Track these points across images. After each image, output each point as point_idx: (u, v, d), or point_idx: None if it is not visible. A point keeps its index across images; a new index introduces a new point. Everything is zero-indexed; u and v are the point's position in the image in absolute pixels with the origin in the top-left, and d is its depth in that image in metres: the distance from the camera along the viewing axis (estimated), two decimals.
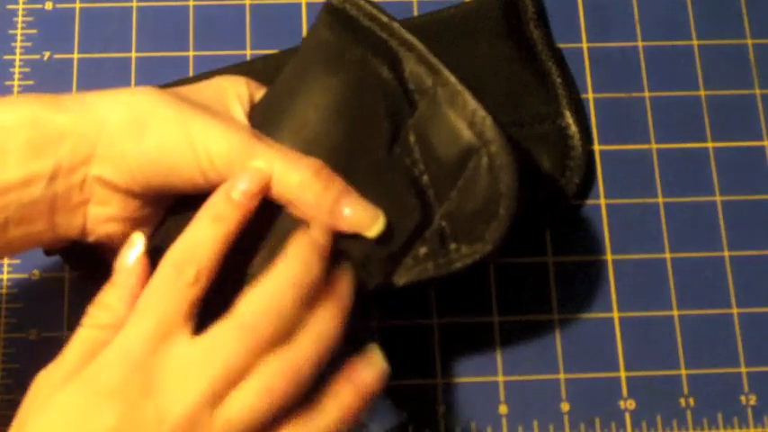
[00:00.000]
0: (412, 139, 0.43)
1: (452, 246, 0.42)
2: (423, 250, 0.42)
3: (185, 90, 0.43)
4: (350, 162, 0.42)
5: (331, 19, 0.44)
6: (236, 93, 0.44)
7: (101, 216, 0.41)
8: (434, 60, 0.43)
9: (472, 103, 0.42)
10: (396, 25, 0.43)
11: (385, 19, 0.43)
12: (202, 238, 0.38)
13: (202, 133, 0.40)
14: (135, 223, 0.42)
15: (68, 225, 0.41)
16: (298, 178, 0.40)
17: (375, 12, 0.44)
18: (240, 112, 0.43)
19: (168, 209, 0.43)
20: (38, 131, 0.39)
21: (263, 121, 0.43)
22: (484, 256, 0.42)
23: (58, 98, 0.40)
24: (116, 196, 0.41)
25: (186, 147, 0.40)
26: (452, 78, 0.42)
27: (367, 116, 0.42)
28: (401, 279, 0.42)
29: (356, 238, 0.41)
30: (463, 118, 0.42)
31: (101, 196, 0.40)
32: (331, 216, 0.40)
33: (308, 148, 0.41)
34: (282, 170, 0.40)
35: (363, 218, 0.41)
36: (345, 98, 0.42)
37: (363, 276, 0.41)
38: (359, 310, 0.40)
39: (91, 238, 0.42)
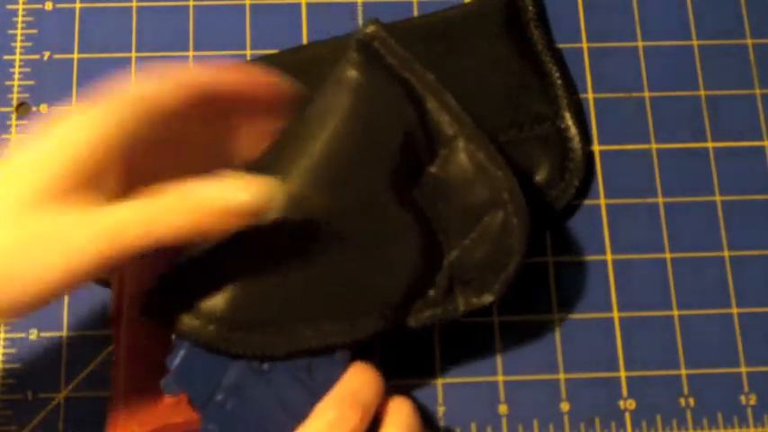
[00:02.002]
0: (430, 185, 0.43)
1: (459, 292, 0.43)
2: (431, 294, 0.43)
3: None
4: (365, 201, 0.42)
5: (358, 56, 0.44)
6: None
7: None
8: (459, 110, 0.43)
9: (492, 157, 0.42)
10: (425, 71, 0.43)
11: (412, 63, 0.43)
12: None
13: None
14: None
15: None
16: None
17: (402, 53, 0.43)
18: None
19: None
20: None
21: (281, 149, 0.43)
22: (488, 304, 0.43)
23: None
24: None
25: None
26: (474, 131, 0.42)
27: (386, 156, 0.43)
28: (410, 323, 0.43)
29: (370, 282, 0.42)
30: (482, 172, 0.42)
31: None
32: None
33: (324, 183, 0.41)
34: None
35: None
36: (368, 135, 0.43)
37: (376, 320, 0.42)
38: None
39: None
